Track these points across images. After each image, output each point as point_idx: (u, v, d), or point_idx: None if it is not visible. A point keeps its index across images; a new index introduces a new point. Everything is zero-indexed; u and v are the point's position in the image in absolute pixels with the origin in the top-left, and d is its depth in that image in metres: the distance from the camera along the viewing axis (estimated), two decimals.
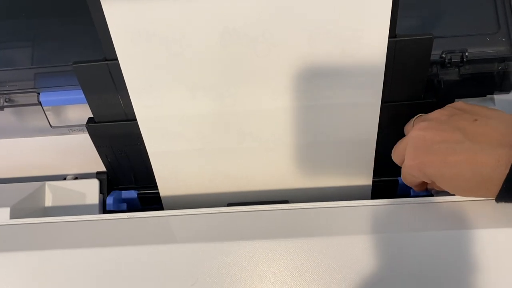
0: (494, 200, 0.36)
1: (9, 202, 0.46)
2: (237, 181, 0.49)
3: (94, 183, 0.52)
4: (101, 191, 0.52)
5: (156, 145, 0.47)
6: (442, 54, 0.46)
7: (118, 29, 0.40)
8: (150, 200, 0.52)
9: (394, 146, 0.43)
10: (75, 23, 0.51)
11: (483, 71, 0.46)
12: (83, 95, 0.46)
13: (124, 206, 0.52)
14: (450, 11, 0.47)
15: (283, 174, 0.48)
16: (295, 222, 0.40)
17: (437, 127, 0.37)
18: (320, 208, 0.41)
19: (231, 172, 0.48)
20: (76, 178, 0.54)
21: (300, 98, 0.43)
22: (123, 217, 0.43)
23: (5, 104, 0.50)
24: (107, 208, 0.51)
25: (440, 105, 0.41)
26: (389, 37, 0.40)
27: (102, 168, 0.52)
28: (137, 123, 0.45)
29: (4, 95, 0.49)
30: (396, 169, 0.44)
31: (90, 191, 0.51)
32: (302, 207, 0.41)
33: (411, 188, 0.45)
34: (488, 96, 0.48)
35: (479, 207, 0.38)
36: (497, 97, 0.48)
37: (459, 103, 0.40)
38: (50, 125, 0.52)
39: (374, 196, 0.49)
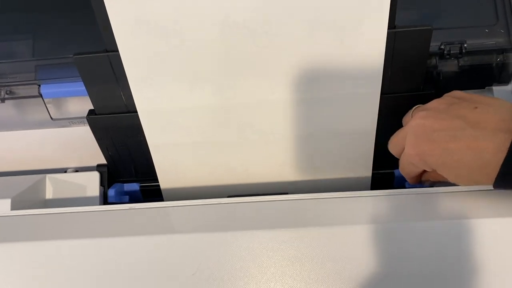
0: (492, 191, 0.36)
1: (10, 194, 0.46)
2: (237, 174, 0.49)
3: (95, 176, 0.52)
4: (101, 184, 0.52)
5: (157, 137, 0.47)
6: (441, 45, 0.46)
7: (118, 19, 0.40)
8: (152, 192, 0.52)
9: (391, 137, 0.43)
10: (76, 15, 0.51)
11: (482, 62, 0.47)
12: (84, 87, 0.46)
13: (126, 198, 0.52)
14: (449, 2, 0.48)
15: (283, 166, 0.48)
16: (295, 212, 0.40)
17: (437, 116, 0.38)
18: (319, 198, 0.41)
19: (231, 164, 0.48)
20: (76, 171, 0.54)
21: (300, 89, 0.43)
22: (124, 208, 0.43)
23: (6, 96, 0.50)
24: (109, 201, 0.51)
25: (439, 96, 0.42)
26: (389, 28, 0.40)
27: (102, 160, 0.52)
28: (137, 115, 0.45)
29: (5, 87, 0.50)
30: (394, 162, 0.44)
31: (91, 183, 0.52)
32: (301, 198, 0.41)
33: (406, 181, 0.45)
34: (486, 87, 0.48)
35: (477, 197, 0.38)
36: (496, 88, 0.48)
37: (457, 92, 0.40)
38: (51, 118, 0.52)
39: (372, 189, 0.49)
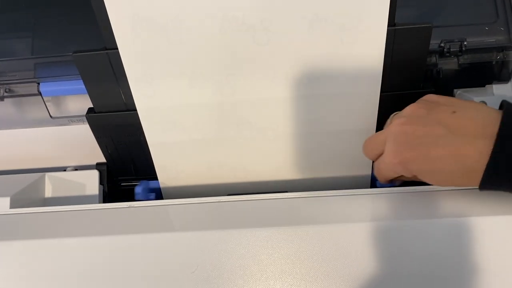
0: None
1: (9, 192, 0.46)
2: (236, 172, 0.49)
3: (94, 174, 0.52)
4: (100, 182, 0.52)
5: (156, 135, 0.47)
6: (441, 43, 0.46)
7: (117, 17, 0.40)
8: None
9: (365, 141, 0.42)
10: (75, 13, 0.51)
11: (481, 60, 0.47)
12: (83, 85, 0.46)
13: (153, 195, 0.51)
14: (449, 0, 0.48)
15: (283, 164, 0.48)
16: (294, 210, 0.40)
17: (418, 122, 0.37)
18: (319, 197, 0.41)
19: (230, 162, 0.48)
20: (76, 169, 0.54)
21: (299, 87, 0.43)
22: (123, 206, 0.43)
23: (5, 94, 0.50)
24: (136, 198, 0.49)
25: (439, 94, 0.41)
26: (388, 25, 0.40)
27: (102, 159, 0.52)
28: (137, 113, 0.45)
29: (4, 86, 0.50)
30: None
31: (90, 182, 0.52)
32: (301, 196, 0.41)
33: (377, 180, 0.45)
34: (486, 85, 0.48)
35: (476, 195, 0.38)
36: (496, 86, 0.48)
37: (431, 96, 0.39)
38: (50, 116, 0.52)
39: (372, 187, 0.49)
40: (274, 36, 0.41)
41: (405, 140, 0.37)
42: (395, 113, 0.41)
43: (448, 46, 0.46)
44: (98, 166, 0.53)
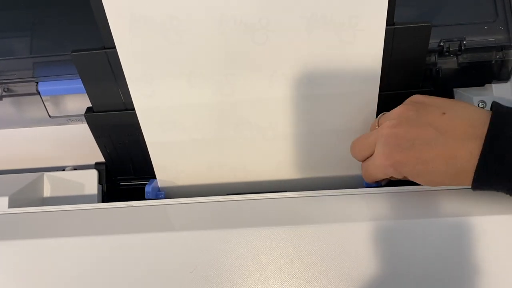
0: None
1: (8, 192, 0.46)
2: (236, 172, 0.49)
3: (93, 174, 0.52)
4: (99, 182, 0.52)
5: (155, 135, 0.47)
6: (440, 42, 0.46)
7: (116, 16, 0.40)
8: None
9: (353, 142, 0.42)
10: (74, 12, 0.51)
11: (481, 59, 0.47)
12: (82, 85, 0.46)
13: (163, 194, 0.51)
14: None
15: (282, 164, 0.48)
16: (293, 210, 0.40)
17: (408, 124, 0.37)
18: (318, 196, 0.41)
19: (230, 162, 0.48)
20: (74, 169, 0.54)
21: (298, 86, 0.43)
22: (122, 206, 0.43)
23: (4, 93, 0.50)
24: (146, 197, 0.49)
25: (438, 94, 0.41)
26: (387, 24, 0.40)
27: (101, 158, 0.52)
28: (135, 113, 0.45)
29: (3, 85, 0.50)
30: None
31: (89, 181, 0.51)
32: (300, 196, 0.41)
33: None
34: (486, 85, 0.48)
35: (475, 195, 0.38)
36: (495, 85, 0.48)
37: (418, 97, 0.39)
38: (49, 115, 0.52)
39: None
40: (273, 35, 0.41)
41: (396, 143, 0.37)
42: (382, 113, 0.41)
43: (447, 45, 0.46)
44: (97, 165, 0.53)
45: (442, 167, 0.36)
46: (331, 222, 0.38)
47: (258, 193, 0.42)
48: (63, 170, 0.54)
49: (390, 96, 0.45)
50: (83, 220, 0.42)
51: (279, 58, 0.42)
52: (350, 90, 0.43)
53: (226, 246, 0.38)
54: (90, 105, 0.48)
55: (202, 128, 0.46)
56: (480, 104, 0.47)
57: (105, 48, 0.43)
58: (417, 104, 0.38)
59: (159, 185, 0.50)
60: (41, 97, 0.50)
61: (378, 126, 0.40)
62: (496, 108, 0.36)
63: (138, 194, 0.51)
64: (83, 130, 0.51)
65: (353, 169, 0.48)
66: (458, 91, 0.49)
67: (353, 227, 0.38)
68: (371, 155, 0.40)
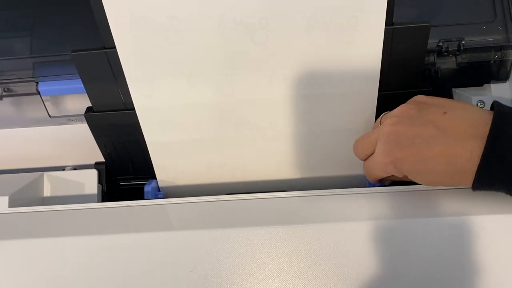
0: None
1: (8, 191, 0.46)
2: (235, 172, 0.49)
3: (93, 174, 0.52)
4: (99, 182, 0.52)
5: (154, 134, 0.47)
6: (439, 42, 0.46)
7: (116, 15, 0.40)
8: None
9: (356, 141, 0.42)
10: (74, 12, 0.51)
11: (480, 59, 0.47)
12: (82, 85, 0.46)
13: (161, 195, 0.51)
14: None
15: (282, 164, 0.48)
16: (292, 209, 0.40)
17: (409, 122, 0.37)
18: (317, 195, 0.41)
19: (230, 162, 0.48)
20: (74, 169, 0.54)
21: (297, 86, 0.43)
22: (121, 205, 0.43)
23: (4, 93, 0.50)
24: (145, 197, 0.49)
25: (436, 94, 0.42)
26: (386, 25, 0.40)
27: (100, 158, 0.52)
28: (135, 113, 0.45)
29: (3, 85, 0.50)
30: None
31: (89, 181, 0.51)
32: (299, 195, 0.41)
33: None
34: (484, 85, 0.48)
35: (476, 194, 0.38)
36: (494, 85, 0.48)
37: (421, 97, 0.39)
38: (49, 115, 0.52)
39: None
40: (272, 35, 0.41)
41: (397, 140, 0.37)
42: (384, 113, 0.41)
43: (446, 45, 0.46)
44: (96, 165, 0.53)
45: (442, 166, 0.36)
46: (330, 221, 0.38)
47: (258, 193, 0.42)
48: (63, 170, 0.54)
49: (389, 96, 0.45)
50: (83, 219, 0.42)
51: (279, 58, 0.42)
52: (350, 90, 0.44)
53: (226, 245, 0.38)
54: (90, 105, 0.48)
55: (202, 128, 0.46)
56: (479, 104, 0.47)
57: (105, 48, 0.43)
58: (419, 104, 0.39)
59: (159, 184, 0.50)
60: (41, 97, 0.50)
61: (380, 125, 0.40)
62: (498, 108, 0.36)
63: (138, 194, 0.51)
64: (83, 130, 0.51)
65: (353, 169, 0.48)
66: (456, 91, 0.49)
67: (353, 226, 0.38)
68: (373, 153, 0.40)
